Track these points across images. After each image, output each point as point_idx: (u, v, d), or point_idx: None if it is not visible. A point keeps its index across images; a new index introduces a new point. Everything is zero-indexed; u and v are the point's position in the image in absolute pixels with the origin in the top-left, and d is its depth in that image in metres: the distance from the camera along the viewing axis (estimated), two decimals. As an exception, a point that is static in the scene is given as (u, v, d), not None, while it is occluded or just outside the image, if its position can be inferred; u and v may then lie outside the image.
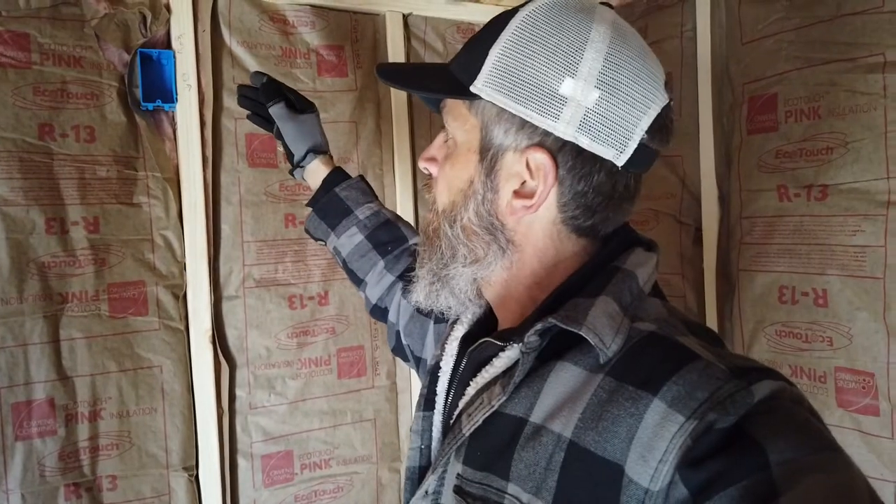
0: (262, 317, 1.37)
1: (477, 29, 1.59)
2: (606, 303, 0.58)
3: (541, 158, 0.59)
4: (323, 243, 1.11)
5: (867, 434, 1.08)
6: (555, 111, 0.58)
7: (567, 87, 0.57)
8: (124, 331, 1.25)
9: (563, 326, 0.56)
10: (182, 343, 1.29)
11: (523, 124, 0.59)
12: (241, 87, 1.15)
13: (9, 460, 1.15)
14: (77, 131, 1.22)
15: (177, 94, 1.27)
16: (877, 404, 1.06)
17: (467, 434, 0.60)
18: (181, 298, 1.30)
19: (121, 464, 1.24)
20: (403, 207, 1.50)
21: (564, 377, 0.57)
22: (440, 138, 0.69)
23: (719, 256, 1.31)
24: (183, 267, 1.30)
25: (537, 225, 0.63)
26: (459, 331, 0.74)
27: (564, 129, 0.58)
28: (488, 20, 0.64)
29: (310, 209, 1.08)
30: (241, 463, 1.35)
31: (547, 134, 0.59)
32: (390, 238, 1.03)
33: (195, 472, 1.30)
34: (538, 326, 0.57)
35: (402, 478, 1.48)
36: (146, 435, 1.26)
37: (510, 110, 0.59)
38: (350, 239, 1.03)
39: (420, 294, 0.70)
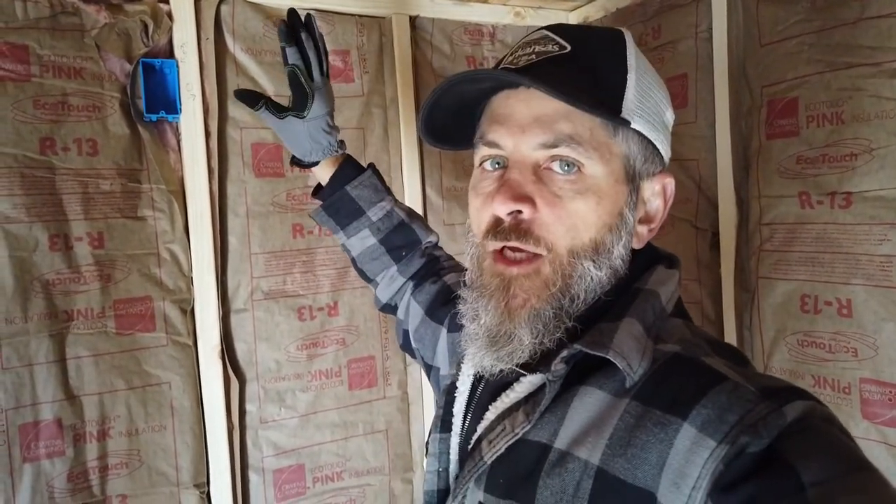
0: (272, 329, 1.34)
1: (485, 31, 1.56)
2: (631, 324, 0.57)
3: (668, 182, 0.63)
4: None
5: (894, 447, 1.05)
6: (667, 137, 0.63)
7: (668, 116, 0.63)
8: (131, 347, 1.23)
9: (590, 352, 0.55)
10: (190, 358, 1.27)
11: (655, 152, 0.62)
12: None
13: (17, 483, 1.13)
14: (79, 144, 1.19)
15: (180, 104, 1.24)
16: (904, 417, 1.04)
17: (489, 461, 0.59)
18: (189, 313, 1.27)
19: (131, 483, 1.22)
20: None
21: (589, 402, 0.56)
22: (524, 173, 0.59)
23: (737, 263, 1.28)
24: (190, 281, 1.27)
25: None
26: None
27: (667, 151, 0.64)
28: (555, 37, 0.59)
29: (316, 200, 1.02)
30: (253, 478, 1.33)
31: (663, 160, 0.63)
32: (404, 242, 0.99)
33: (206, 489, 1.28)
34: (564, 353, 0.56)
35: (414, 497, 1.47)
36: (156, 453, 1.24)
37: (651, 138, 0.60)
38: (362, 241, 0.99)
39: (516, 357, 0.59)
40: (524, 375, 0.59)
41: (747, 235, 1.27)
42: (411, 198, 1.47)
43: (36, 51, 1.15)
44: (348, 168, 0.98)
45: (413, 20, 1.47)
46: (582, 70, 0.58)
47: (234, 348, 1.31)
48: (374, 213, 0.98)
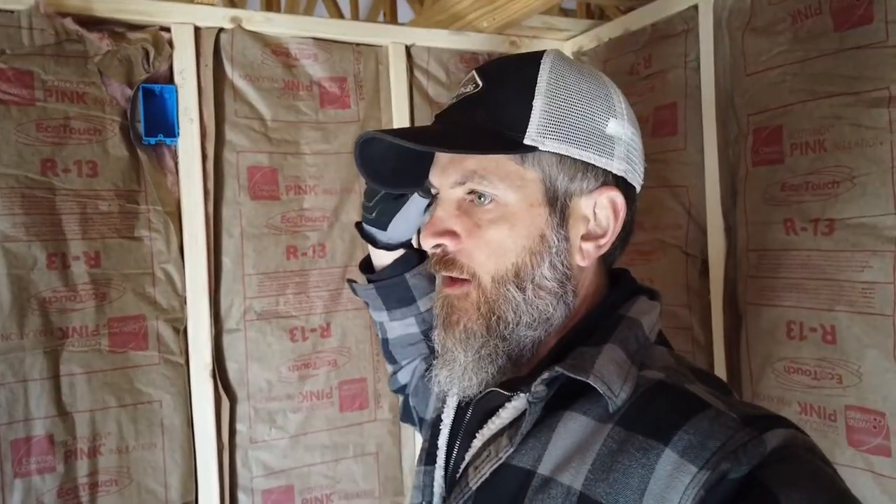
0: (264, 350, 1.36)
1: (481, 59, 1.60)
2: (613, 350, 0.58)
3: (613, 196, 0.62)
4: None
5: (879, 475, 1.04)
6: (609, 150, 0.61)
7: (612, 126, 0.61)
8: (124, 365, 1.25)
9: (570, 375, 0.56)
10: (182, 377, 1.29)
11: (586, 168, 0.61)
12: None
13: (8, 498, 1.14)
14: (79, 166, 1.23)
15: (178, 128, 1.28)
16: (888, 444, 1.03)
17: (474, 487, 0.59)
18: (182, 332, 1.29)
19: (120, 500, 1.23)
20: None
21: (573, 427, 0.56)
22: (446, 208, 0.64)
23: (726, 289, 1.29)
24: (183, 300, 1.29)
25: (591, 266, 0.64)
26: None
27: (618, 165, 0.62)
28: (484, 74, 0.64)
29: (363, 275, 1.00)
30: (242, 498, 1.33)
31: (607, 173, 0.62)
32: None
33: (195, 509, 1.29)
34: (545, 376, 0.57)
35: None
36: (145, 470, 1.25)
37: (572, 156, 0.60)
38: (404, 328, 0.97)
39: (464, 378, 0.63)
40: (509, 401, 0.61)
41: (735, 262, 1.28)
42: (405, 222, 1.49)
43: (40, 76, 1.19)
44: (411, 255, 0.97)
45: (409, 49, 1.50)
46: (487, 108, 0.61)
47: (226, 368, 1.33)
48: (424, 304, 0.97)
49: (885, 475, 1.04)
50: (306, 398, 1.39)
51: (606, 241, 0.63)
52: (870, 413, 1.05)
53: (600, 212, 0.62)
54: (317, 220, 1.40)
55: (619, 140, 0.62)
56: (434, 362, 0.67)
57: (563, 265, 0.61)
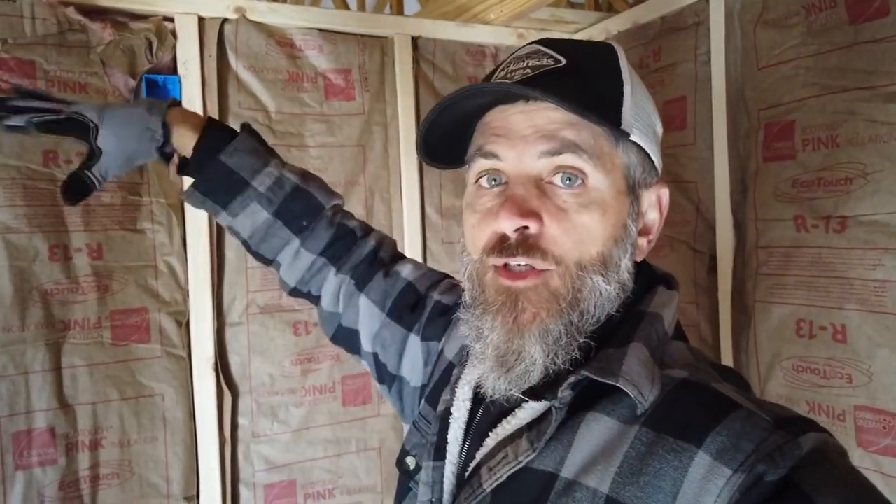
0: (266, 344, 1.35)
1: (487, 52, 1.58)
2: (639, 349, 0.56)
3: (664, 192, 0.62)
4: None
5: (889, 476, 1.03)
6: (658, 149, 0.62)
7: (658, 128, 0.62)
8: (126, 358, 1.24)
9: (599, 379, 0.53)
10: (184, 370, 1.28)
11: (651, 163, 0.61)
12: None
13: (9, 490, 1.14)
14: (81, 157, 1.21)
15: (182, 119, 1.26)
16: (899, 446, 1.02)
17: (489, 489, 0.57)
18: (184, 325, 1.28)
19: (121, 493, 1.23)
20: (411, 231, 1.48)
21: (597, 429, 0.54)
22: (526, 187, 0.57)
23: (735, 286, 1.27)
24: (186, 293, 1.28)
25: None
26: (472, 374, 0.66)
27: (658, 163, 0.62)
28: (547, 50, 0.59)
29: (185, 178, 0.87)
30: (244, 492, 1.33)
31: (657, 171, 0.62)
32: (303, 209, 0.84)
33: (196, 502, 1.28)
34: (571, 380, 0.54)
35: None
36: (147, 464, 1.25)
37: (647, 150, 0.59)
38: (251, 218, 0.84)
39: (530, 371, 0.57)
40: (526, 401, 0.58)
41: (744, 259, 1.26)
42: (410, 215, 1.48)
43: (43, 66, 1.18)
44: (216, 133, 0.83)
45: (415, 41, 1.48)
46: (581, 82, 0.56)
47: (229, 361, 1.32)
48: (261, 183, 0.83)
49: (894, 476, 1.02)
50: (309, 392, 1.38)
51: (653, 237, 0.62)
52: (880, 413, 1.04)
53: (651, 208, 0.62)
54: (321, 214, 1.39)
55: (659, 140, 0.62)
56: (480, 364, 0.60)
57: (630, 257, 0.59)
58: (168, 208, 1.27)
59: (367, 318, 0.83)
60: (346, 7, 2.11)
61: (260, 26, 1.34)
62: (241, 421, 1.33)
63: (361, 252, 0.85)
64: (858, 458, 1.06)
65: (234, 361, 1.33)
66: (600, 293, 0.57)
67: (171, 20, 1.26)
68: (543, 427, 0.55)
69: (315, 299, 0.88)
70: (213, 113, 1.30)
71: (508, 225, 0.56)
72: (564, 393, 0.54)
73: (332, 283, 0.85)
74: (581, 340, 0.57)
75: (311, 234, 0.84)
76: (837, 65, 1.08)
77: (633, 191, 0.59)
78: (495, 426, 0.60)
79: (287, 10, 1.36)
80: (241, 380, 1.33)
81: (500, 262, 0.57)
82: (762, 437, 0.47)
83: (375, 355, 0.84)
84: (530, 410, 0.58)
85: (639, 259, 0.61)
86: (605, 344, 0.57)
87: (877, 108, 1.02)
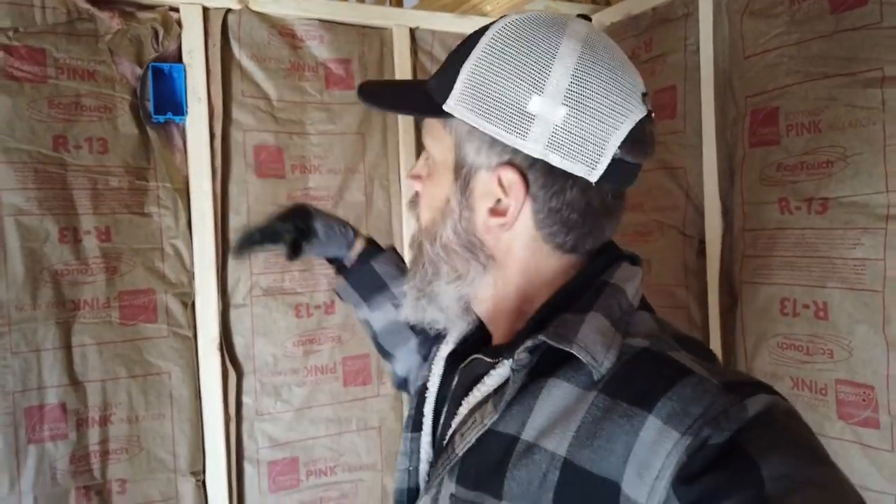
0: (269, 325, 1.39)
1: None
2: (597, 318, 0.57)
3: (510, 176, 0.59)
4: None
5: (868, 447, 1.07)
6: (523, 129, 0.57)
7: (535, 104, 0.56)
8: (134, 337, 1.28)
9: (554, 344, 0.55)
10: (190, 350, 1.32)
11: (493, 142, 0.59)
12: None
13: (22, 463, 1.18)
14: (90, 143, 1.26)
15: (187, 106, 1.30)
16: (877, 417, 1.06)
17: (460, 454, 0.60)
18: (190, 306, 1.32)
19: (130, 468, 1.27)
20: (409, 220, 1.52)
21: (556, 394, 0.56)
22: (424, 155, 0.68)
23: (723, 269, 1.32)
24: (192, 276, 1.32)
25: (517, 241, 0.62)
26: (444, 350, 0.73)
27: (533, 146, 0.57)
28: (468, 35, 0.63)
29: (341, 276, 1.04)
30: (248, 469, 1.37)
31: (516, 152, 0.58)
32: None
33: (202, 477, 1.32)
34: (528, 343, 0.57)
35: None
36: (154, 440, 1.29)
37: (480, 128, 0.58)
38: (384, 315, 0.99)
39: (408, 308, 0.69)
40: (494, 368, 0.61)
41: (732, 242, 1.30)
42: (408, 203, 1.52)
43: (52, 54, 1.22)
44: (372, 247, 1.01)
45: (413, 32, 1.52)
46: (438, 71, 0.64)
47: (233, 342, 1.36)
48: (397, 288, 0.98)
49: (872, 447, 1.07)
50: (311, 373, 1.42)
51: (507, 220, 0.60)
52: (859, 387, 1.08)
53: (508, 190, 0.60)
54: (321, 199, 1.43)
55: (542, 120, 0.57)
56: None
57: (466, 232, 0.62)
58: (174, 193, 1.31)
59: (409, 372, 0.97)
60: None
61: (262, 17, 1.38)
62: (246, 399, 1.37)
63: None
64: (839, 431, 1.11)
65: (239, 342, 1.37)
66: (427, 253, 0.64)
67: (177, 10, 1.30)
68: (506, 390, 0.58)
69: (406, 387, 1.00)
70: (217, 101, 1.33)
71: (407, 181, 0.71)
72: (521, 356, 0.57)
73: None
74: (430, 290, 0.65)
75: (425, 339, 0.95)
76: (819, 53, 1.12)
77: (459, 168, 0.61)
78: (467, 395, 0.63)
79: (289, 0, 1.40)
80: (245, 360, 1.37)
81: None
82: (710, 402, 0.48)
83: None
84: (497, 377, 0.60)
85: (486, 239, 0.62)
86: (564, 310, 0.59)
87: (856, 94, 1.07)
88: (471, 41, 0.60)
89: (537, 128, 0.57)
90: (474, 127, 0.59)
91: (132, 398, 1.28)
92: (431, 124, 0.64)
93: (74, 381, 1.23)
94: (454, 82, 0.59)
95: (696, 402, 0.49)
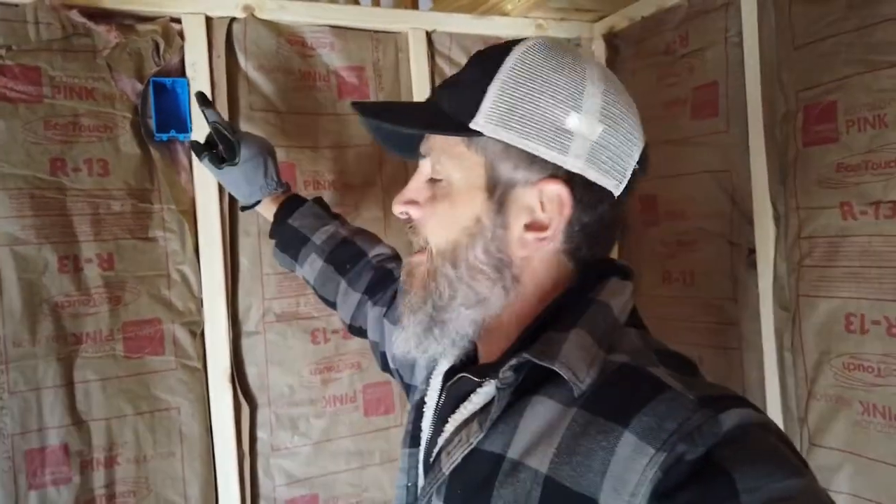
0: (284, 353, 1.30)
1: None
2: (580, 335, 0.58)
3: (557, 189, 0.60)
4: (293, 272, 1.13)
5: (956, 482, 0.95)
6: (563, 145, 0.59)
7: (573, 121, 0.59)
8: (140, 371, 1.20)
9: (537, 362, 0.56)
10: (200, 383, 1.23)
11: (533, 159, 0.60)
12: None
13: (22, 511, 1.10)
14: (90, 165, 1.18)
15: (191, 123, 1.22)
16: (966, 449, 0.93)
17: (447, 473, 0.60)
18: (199, 336, 1.24)
19: (138, 512, 1.19)
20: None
21: (540, 411, 0.57)
22: (418, 180, 0.68)
23: (776, 281, 1.20)
24: (200, 303, 1.24)
25: (543, 257, 0.64)
26: (443, 365, 0.73)
27: (574, 162, 0.60)
28: (470, 58, 0.66)
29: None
30: (265, 508, 1.28)
31: (557, 167, 0.60)
32: (347, 256, 1.04)
33: (216, 520, 1.23)
34: (513, 362, 0.58)
35: None
36: (164, 481, 1.20)
37: (517, 146, 0.60)
38: (312, 266, 1.05)
39: (408, 342, 0.67)
40: (481, 386, 0.62)
41: (786, 251, 1.18)
42: (430, 216, 1.42)
43: (48, 72, 1.15)
44: (290, 203, 1.08)
45: (430, 35, 1.43)
46: (453, 90, 0.65)
47: (245, 372, 1.27)
48: (318, 237, 1.05)
49: (962, 482, 0.94)
50: (329, 403, 1.33)
51: (549, 234, 0.62)
52: (944, 414, 0.96)
53: (548, 204, 0.61)
54: (337, 216, 1.34)
55: (580, 136, 0.60)
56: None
57: (498, 251, 0.62)
58: (180, 215, 1.23)
59: (390, 338, 0.89)
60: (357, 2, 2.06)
61: (269, 25, 1.30)
62: (260, 434, 1.28)
63: (394, 286, 0.95)
64: (920, 463, 0.98)
65: (252, 372, 1.28)
66: (449, 278, 0.63)
67: (178, 21, 1.22)
68: (491, 408, 0.59)
69: (365, 333, 1.01)
70: (223, 114, 1.25)
71: (395, 211, 0.69)
72: (506, 374, 0.58)
73: (372, 315, 0.98)
74: (441, 318, 0.64)
75: (354, 275, 1.02)
76: (883, 39, 1.01)
77: (492, 187, 0.62)
78: (454, 412, 0.64)
79: (297, 7, 1.32)
80: (258, 391, 1.28)
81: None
82: (685, 417, 0.49)
83: (396, 371, 0.93)
84: (483, 395, 0.61)
85: (521, 253, 0.63)
86: (550, 328, 0.60)
87: (929, 83, 0.95)
88: (488, 62, 0.62)
89: (576, 144, 0.60)
90: (508, 144, 0.60)
91: (139, 437, 1.19)
92: (448, 144, 0.64)
93: (77, 421, 1.15)
94: (479, 101, 0.60)
95: (671, 417, 0.50)
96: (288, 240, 1.07)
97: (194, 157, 1.23)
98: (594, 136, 0.60)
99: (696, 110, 1.34)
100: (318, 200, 1.11)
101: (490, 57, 0.63)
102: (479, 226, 0.62)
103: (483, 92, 0.61)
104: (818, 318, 1.12)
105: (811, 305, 1.13)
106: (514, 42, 0.64)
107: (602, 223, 0.63)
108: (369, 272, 1.01)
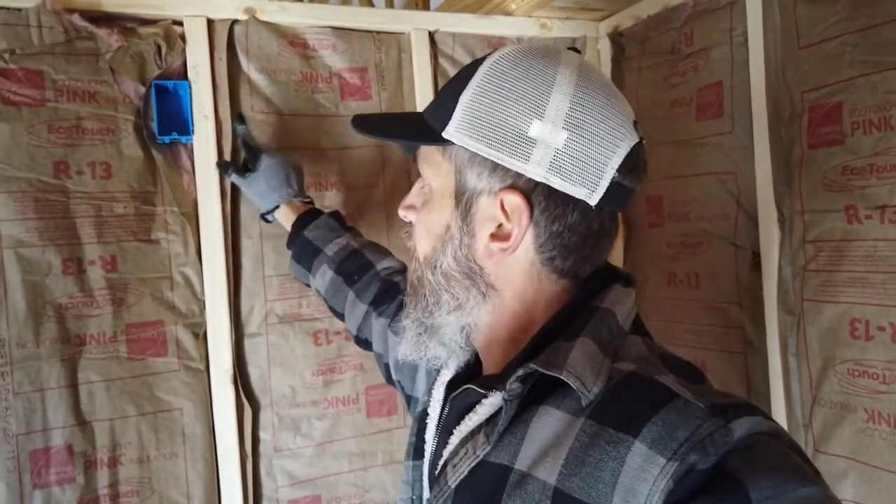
0: (286, 354, 1.30)
1: (510, 44, 1.52)
2: (586, 343, 0.58)
3: (514, 200, 0.60)
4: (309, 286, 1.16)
5: (961, 491, 0.93)
6: (525, 153, 0.59)
7: (535, 129, 0.58)
8: (143, 373, 1.21)
9: (544, 371, 0.56)
10: (203, 384, 1.24)
11: (495, 167, 0.60)
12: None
13: (27, 510, 1.12)
14: (93, 168, 1.19)
15: (193, 125, 1.23)
16: (971, 458, 0.92)
17: (453, 486, 0.60)
18: (201, 337, 1.25)
19: (142, 511, 1.20)
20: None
21: (547, 422, 0.56)
22: (418, 185, 0.69)
23: (780, 284, 1.18)
24: (203, 305, 1.25)
25: (516, 267, 0.63)
26: (446, 375, 0.73)
27: (535, 170, 0.59)
28: (462, 68, 0.66)
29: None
30: (267, 509, 1.29)
31: (519, 176, 0.60)
32: (356, 267, 1.05)
33: (218, 520, 1.24)
34: (520, 373, 0.57)
35: None
36: (167, 481, 1.21)
37: (481, 154, 0.60)
38: (323, 277, 1.06)
39: (408, 346, 0.69)
40: (486, 397, 0.61)
41: (790, 254, 1.16)
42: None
43: (51, 76, 1.16)
44: (308, 215, 1.11)
45: (432, 35, 1.43)
46: (436, 100, 0.67)
47: (248, 374, 1.28)
48: (331, 249, 1.07)
49: (967, 492, 0.92)
50: (332, 404, 1.33)
51: (510, 245, 0.61)
52: (949, 422, 0.94)
53: (511, 214, 0.61)
54: (339, 218, 1.34)
55: (543, 144, 0.58)
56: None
57: (467, 259, 0.63)
58: (182, 217, 1.23)
59: (393, 349, 0.91)
60: (371, 3, 2.05)
61: (271, 27, 1.29)
62: (263, 435, 1.28)
63: (400, 298, 0.95)
64: (925, 471, 0.97)
65: (254, 373, 1.28)
66: (430, 283, 0.65)
67: (180, 24, 1.22)
68: (498, 420, 0.58)
69: (371, 346, 1.01)
70: (226, 118, 1.25)
71: (399, 212, 0.71)
72: (513, 385, 0.57)
73: (376, 326, 0.98)
74: (431, 323, 0.65)
75: (362, 286, 1.02)
76: (890, 39, 0.99)
77: (459, 195, 0.62)
78: (459, 424, 0.63)
79: (299, 8, 1.32)
80: (261, 392, 1.29)
81: None
82: (696, 426, 0.48)
83: (398, 382, 0.93)
84: (489, 406, 0.60)
85: (487, 262, 0.63)
86: (556, 338, 0.60)
87: (936, 85, 0.93)
88: (468, 72, 0.63)
89: (539, 152, 0.59)
90: (475, 153, 0.60)
91: (142, 437, 1.20)
92: (429, 152, 0.65)
93: (81, 421, 1.16)
94: (453, 110, 0.61)
95: (682, 426, 0.49)
96: (302, 251, 1.09)
97: (196, 159, 1.23)
98: (558, 143, 0.58)
99: (701, 111, 1.33)
100: (335, 214, 1.13)
101: (471, 66, 0.64)
102: (448, 233, 0.64)
103: (456, 101, 0.61)
104: (823, 323, 1.10)
105: (816, 310, 1.11)
106: (479, 59, 0.64)
107: (575, 232, 0.61)
108: (376, 284, 1.02)
